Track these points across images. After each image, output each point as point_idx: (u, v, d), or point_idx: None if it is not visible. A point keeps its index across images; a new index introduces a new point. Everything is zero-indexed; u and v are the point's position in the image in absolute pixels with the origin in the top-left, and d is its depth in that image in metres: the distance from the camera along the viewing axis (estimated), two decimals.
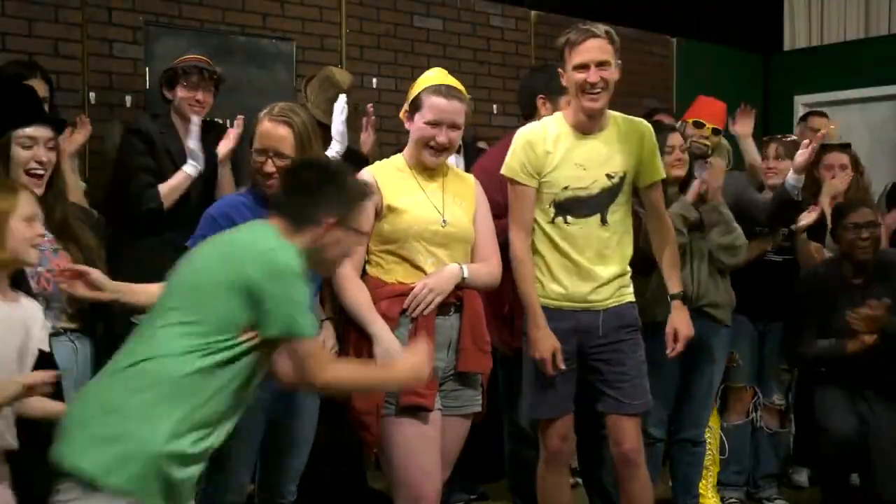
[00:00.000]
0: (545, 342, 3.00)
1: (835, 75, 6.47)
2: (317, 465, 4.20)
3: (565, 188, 3.05)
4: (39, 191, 2.52)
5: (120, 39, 4.18)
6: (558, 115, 3.17)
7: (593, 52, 3.01)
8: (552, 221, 3.07)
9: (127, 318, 3.71)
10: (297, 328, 2.06)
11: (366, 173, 2.87)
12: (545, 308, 3.07)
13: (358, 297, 2.74)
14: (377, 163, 2.95)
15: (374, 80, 4.84)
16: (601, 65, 3.00)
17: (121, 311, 3.67)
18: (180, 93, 3.71)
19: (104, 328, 2.61)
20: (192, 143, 3.54)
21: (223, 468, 2.67)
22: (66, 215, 2.59)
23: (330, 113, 3.75)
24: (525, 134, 3.11)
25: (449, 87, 2.88)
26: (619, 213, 3.09)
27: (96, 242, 2.64)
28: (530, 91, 3.74)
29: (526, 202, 3.06)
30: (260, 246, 2.07)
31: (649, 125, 3.24)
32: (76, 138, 3.63)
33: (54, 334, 2.51)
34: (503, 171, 3.10)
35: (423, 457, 2.73)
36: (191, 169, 3.58)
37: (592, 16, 5.85)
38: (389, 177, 2.84)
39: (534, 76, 3.85)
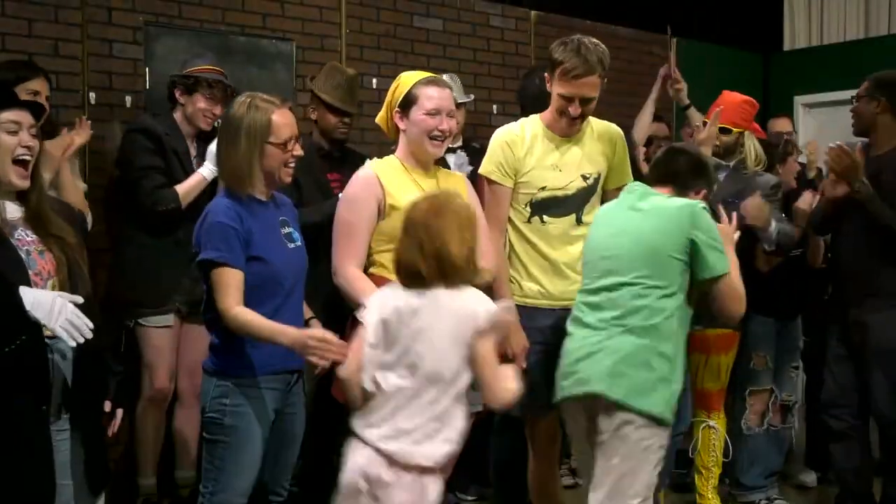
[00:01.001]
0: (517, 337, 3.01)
1: (835, 75, 6.46)
2: (316, 465, 4.22)
3: (543, 188, 3.09)
4: (26, 183, 2.40)
5: (120, 39, 4.18)
6: (535, 117, 3.21)
7: (585, 89, 3.02)
8: (528, 221, 3.11)
9: (120, 322, 3.75)
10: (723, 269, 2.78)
11: (368, 170, 2.88)
12: (523, 307, 3.10)
13: (366, 295, 2.73)
14: (374, 161, 2.95)
15: (374, 81, 4.83)
16: (586, 101, 3.04)
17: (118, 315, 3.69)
18: (200, 103, 3.76)
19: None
20: (215, 146, 3.56)
21: (227, 474, 2.65)
22: (43, 209, 2.47)
23: (335, 97, 3.81)
24: (503, 135, 3.15)
25: (437, 77, 2.94)
26: (592, 214, 3.12)
27: (78, 240, 2.53)
28: (541, 91, 3.73)
29: (502, 201, 3.10)
30: (685, 209, 2.77)
31: (621, 130, 3.30)
32: (75, 140, 3.64)
33: None
34: (480, 171, 3.14)
35: None
36: (207, 172, 3.62)
37: (592, 16, 5.88)
38: (390, 175, 2.86)
39: (540, 76, 3.83)
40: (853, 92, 3.86)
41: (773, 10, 7.29)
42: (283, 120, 2.67)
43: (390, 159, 2.94)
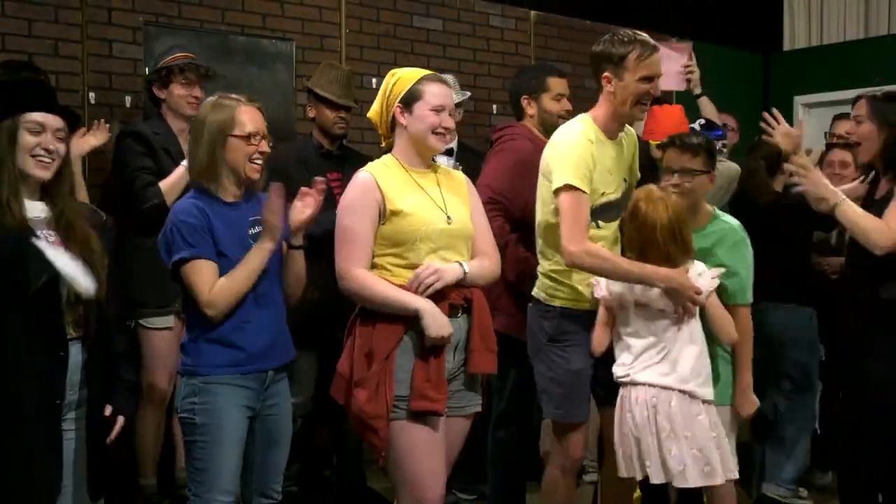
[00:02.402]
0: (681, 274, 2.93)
1: (835, 75, 6.47)
2: (317, 466, 4.22)
3: (603, 194, 3.04)
4: (47, 174, 2.45)
5: (120, 39, 4.18)
6: (588, 119, 3.10)
7: (659, 65, 3.06)
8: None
9: (123, 322, 3.75)
10: None
11: (365, 174, 2.84)
12: (580, 311, 3.08)
13: (385, 288, 2.74)
14: (371, 164, 2.90)
15: (374, 81, 4.82)
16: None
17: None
18: (177, 90, 3.79)
19: (98, 332, 2.53)
20: None
21: (208, 474, 2.63)
22: (69, 214, 2.51)
23: (331, 91, 3.86)
24: (580, 142, 3.00)
25: (438, 75, 2.93)
26: (621, 218, 3.10)
27: (102, 249, 2.55)
28: (515, 93, 3.91)
29: (586, 209, 2.98)
30: None
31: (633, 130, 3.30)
32: (89, 140, 3.65)
33: None
34: (571, 181, 2.94)
35: (429, 459, 2.74)
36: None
37: (592, 16, 5.88)
38: (388, 178, 2.81)
39: (516, 79, 4.02)
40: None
41: (773, 10, 7.29)
42: (247, 114, 2.72)
43: (387, 159, 2.89)
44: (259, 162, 2.73)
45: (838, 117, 5.11)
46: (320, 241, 3.23)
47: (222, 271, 2.67)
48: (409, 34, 5.12)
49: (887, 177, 3.27)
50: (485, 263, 2.89)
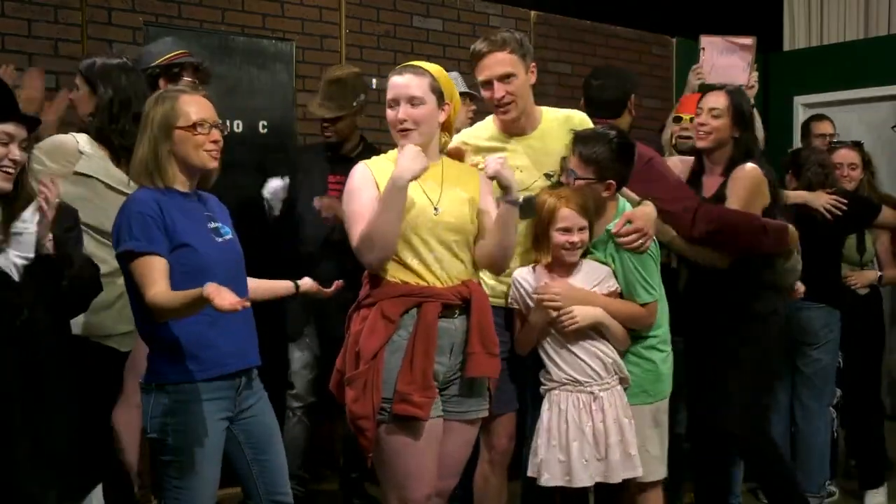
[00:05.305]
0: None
1: (835, 75, 6.46)
2: (318, 463, 4.23)
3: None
4: (9, 185, 2.46)
5: (120, 39, 4.18)
6: (489, 118, 3.14)
7: (494, 67, 3.02)
8: None
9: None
10: None
11: (360, 165, 2.81)
12: (497, 308, 3.02)
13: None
14: (372, 158, 2.86)
15: (374, 81, 4.83)
16: (504, 78, 3.00)
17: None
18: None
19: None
20: None
21: (188, 492, 2.52)
22: (17, 212, 2.51)
23: (312, 101, 3.84)
24: (458, 137, 3.10)
25: (403, 65, 2.84)
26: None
27: (61, 243, 2.61)
28: (625, 93, 3.78)
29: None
30: None
31: (584, 116, 3.21)
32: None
33: None
34: None
35: (415, 461, 2.67)
36: None
37: (592, 16, 5.88)
38: (383, 171, 2.74)
39: (620, 79, 3.87)
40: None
41: (773, 10, 7.29)
42: (191, 104, 2.58)
43: (390, 154, 2.84)
44: (215, 151, 2.60)
45: (815, 119, 5.13)
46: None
47: (187, 261, 2.49)
48: (409, 34, 5.12)
49: (716, 173, 3.42)
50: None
